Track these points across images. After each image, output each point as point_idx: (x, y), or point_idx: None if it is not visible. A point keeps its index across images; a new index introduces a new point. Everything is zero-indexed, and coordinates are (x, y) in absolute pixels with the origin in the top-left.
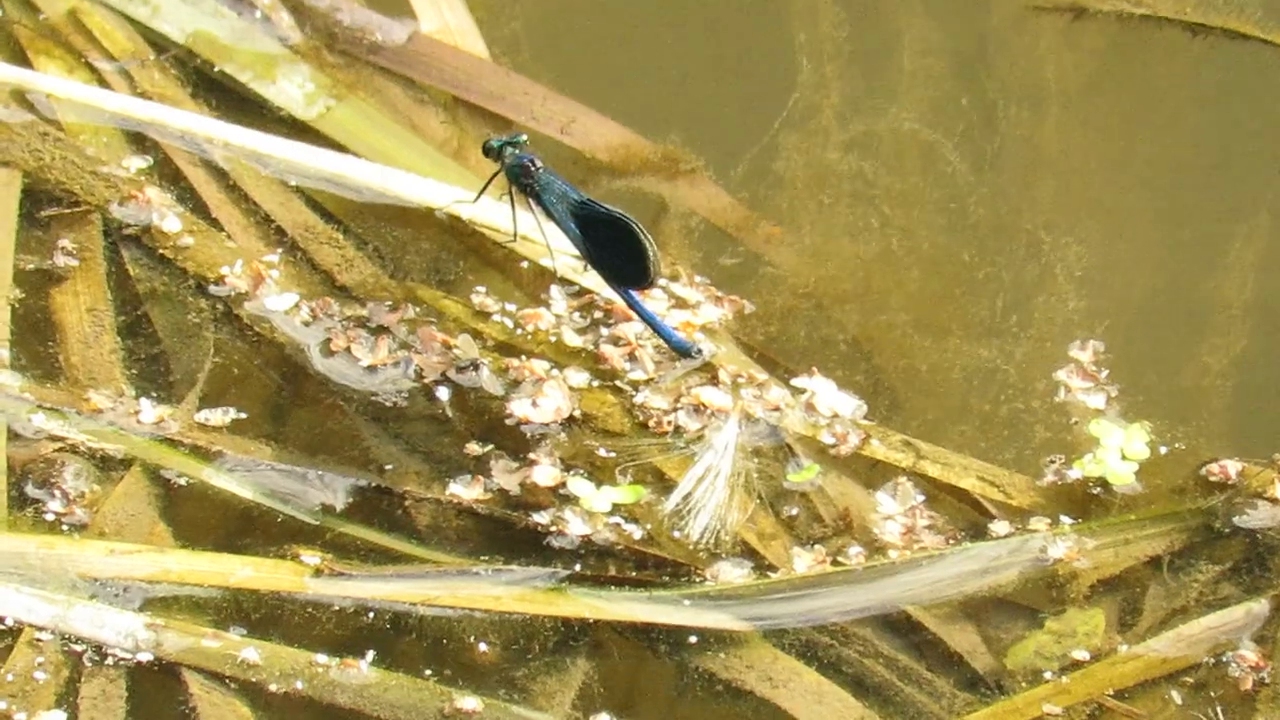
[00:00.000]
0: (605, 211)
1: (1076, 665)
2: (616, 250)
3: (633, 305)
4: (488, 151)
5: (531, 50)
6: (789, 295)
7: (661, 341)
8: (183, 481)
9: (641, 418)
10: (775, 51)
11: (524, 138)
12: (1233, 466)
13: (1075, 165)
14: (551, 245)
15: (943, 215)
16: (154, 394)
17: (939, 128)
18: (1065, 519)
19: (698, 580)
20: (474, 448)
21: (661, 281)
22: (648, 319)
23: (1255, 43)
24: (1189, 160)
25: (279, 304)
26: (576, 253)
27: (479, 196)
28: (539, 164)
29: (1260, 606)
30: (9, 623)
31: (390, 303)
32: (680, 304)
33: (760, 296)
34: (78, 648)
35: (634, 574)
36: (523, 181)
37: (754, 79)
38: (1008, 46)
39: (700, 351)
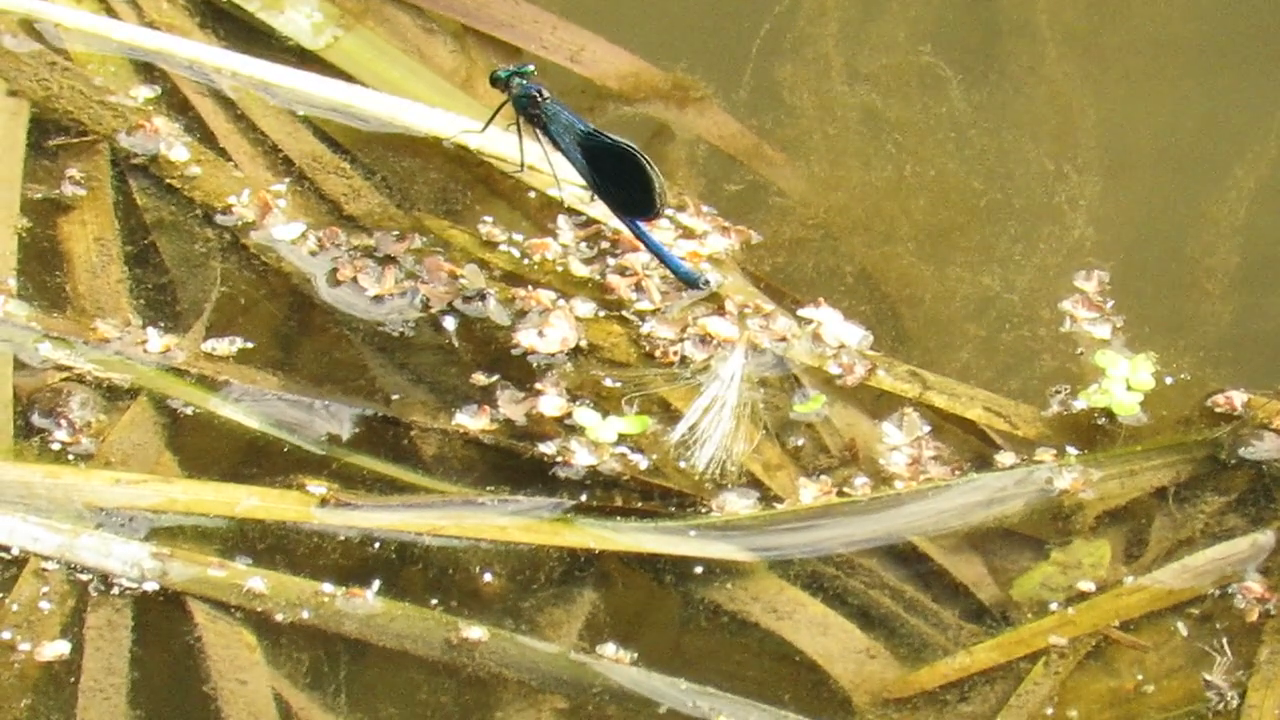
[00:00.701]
0: (611, 142)
1: (1082, 596)
2: (623, 180)
3: (639, 235)
4: (495, 81)
5: None
6: (797, 225)
7: (668, 272)
8: (189, 411)
9: (648, 348)
10: None
11: (531, 68)
12: (1238, 397)
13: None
14: (558, 175)
15: (947, 143)
16: (161, 323)
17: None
18: (1071, 450)
19: (703, 511)
20: (480, 378)
21: (668, 211)
22: (654, 248)
23: None
24: (1193, 90)
25: (286, 233)
26: (583, 183)
27: (486, 126)
28: (546, 94)
29: (1266, 538)
30: (15, 552)
31: (397, 232)
32: (688, 234)
33: (768, 226)
34: (83, 577)
35: (640, 504)
36: (530, 112)
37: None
38: None
39: (707, 282)
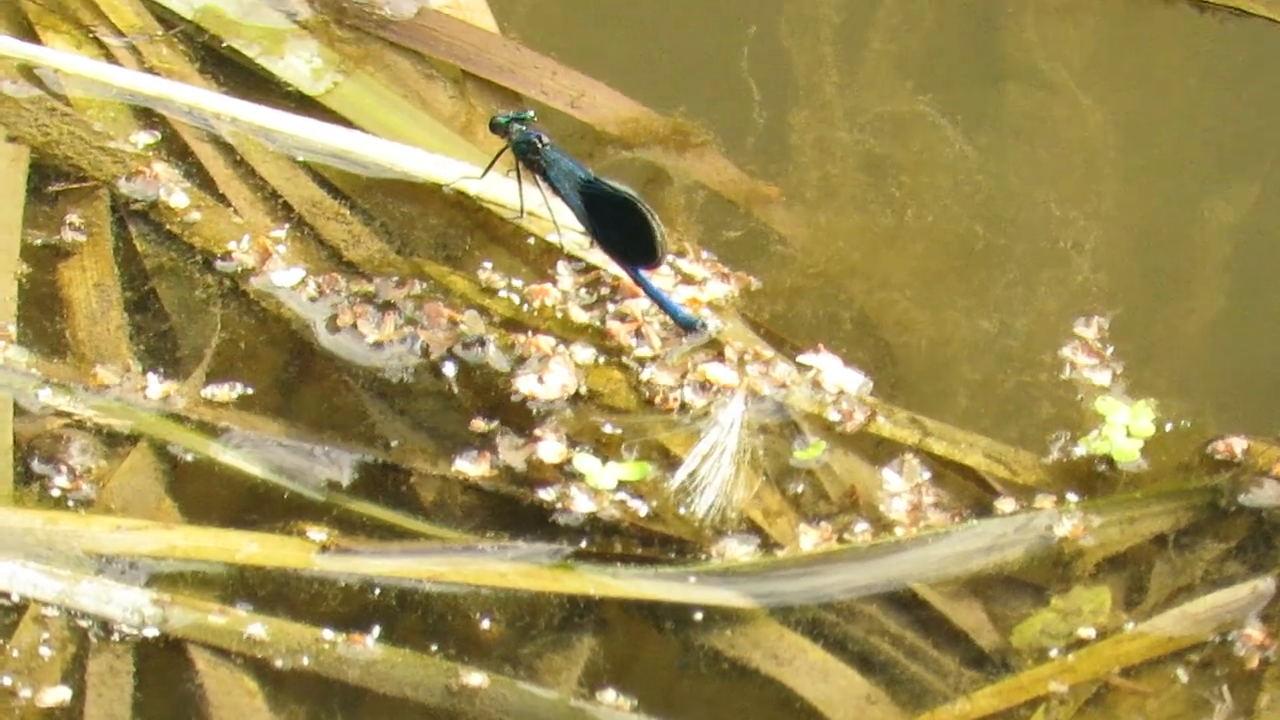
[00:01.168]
0: (611, 190)
1: (1082, 643)
2: (623, 229)
3: (638, 281)
4: (495, 127)
5: (541, 24)
6: (797, 273)
7: (667, 317)
8: (189, 457)
9: (647, 394)
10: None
11: (531, 113)
12: (1239, 444)
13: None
14: (558, 221)
15: (948, 190)
16: (161, 369)
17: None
18: (1071, 496)
19: (703, 557)
20: (479, 424)
21: (668, 257)
22: (653, 294)
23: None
24: (1191, 131)
25: (286, 279)
26: (583, 229)
27: (486, 172)
28: (546, 140)
29: (1266, 584)
30: (15, 598)
31: (397, 278)
32: (687, 280)
33: (768, 274)
34: (84, 623)
35: (640, 550)
36: (529, 158)
37: (765, 49)
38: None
39: (705, 325)
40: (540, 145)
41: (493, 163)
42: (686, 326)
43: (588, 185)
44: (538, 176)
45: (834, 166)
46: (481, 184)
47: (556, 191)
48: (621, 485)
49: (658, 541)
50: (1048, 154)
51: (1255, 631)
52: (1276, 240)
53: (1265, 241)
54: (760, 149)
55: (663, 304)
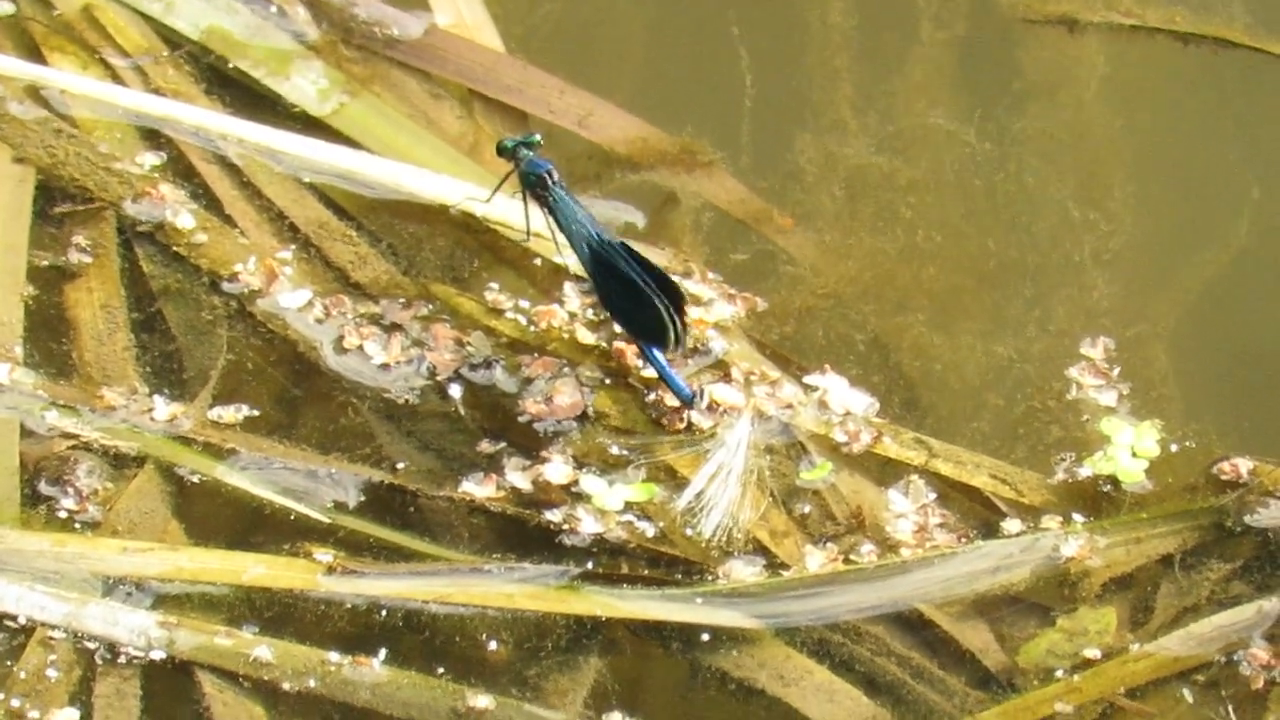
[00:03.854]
0: (627, 269)
1: (1088, 663)
2: (633, 301)
3: (641, 348)
4: (501, 151)
5: (548, 42)
6: (807, 293)
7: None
8: (195, 479)
9: (654, 415)
10: (792, 42)
11: (538, 137)
12: (1244, 464)
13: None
14: (561, 244)
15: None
16: (167, 391)
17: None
18: (1077, 517)
19: (710, 578)
20: (486, 445)
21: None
22: (654, 362)
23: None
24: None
25: (292, 301)
26: (587, 281)
27: (492, 196)
28: (555, 177)
29: (1271, 604)
30: (21, 621)
31: (403, 300)
32: (694, 300)
33: (777, 295)
34: (90, 646)
35: (646, 572)
36: (537, 191)
37: (771, 69)
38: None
39: (701, 395)
40: (550, 181)
41: (499, 186)
42: (684, 400)
43: (603, 247)
44: (545, 210)
45: (842, 186)
46: (488, 205)
47: (564, 230)
48: (628, 507)
49: (664, 562)
50: (1055, 173)
51: (1261, 651)
52: (1275, 263)
53: (1266, 264)
54: (769, 166)
55: (662, 373)
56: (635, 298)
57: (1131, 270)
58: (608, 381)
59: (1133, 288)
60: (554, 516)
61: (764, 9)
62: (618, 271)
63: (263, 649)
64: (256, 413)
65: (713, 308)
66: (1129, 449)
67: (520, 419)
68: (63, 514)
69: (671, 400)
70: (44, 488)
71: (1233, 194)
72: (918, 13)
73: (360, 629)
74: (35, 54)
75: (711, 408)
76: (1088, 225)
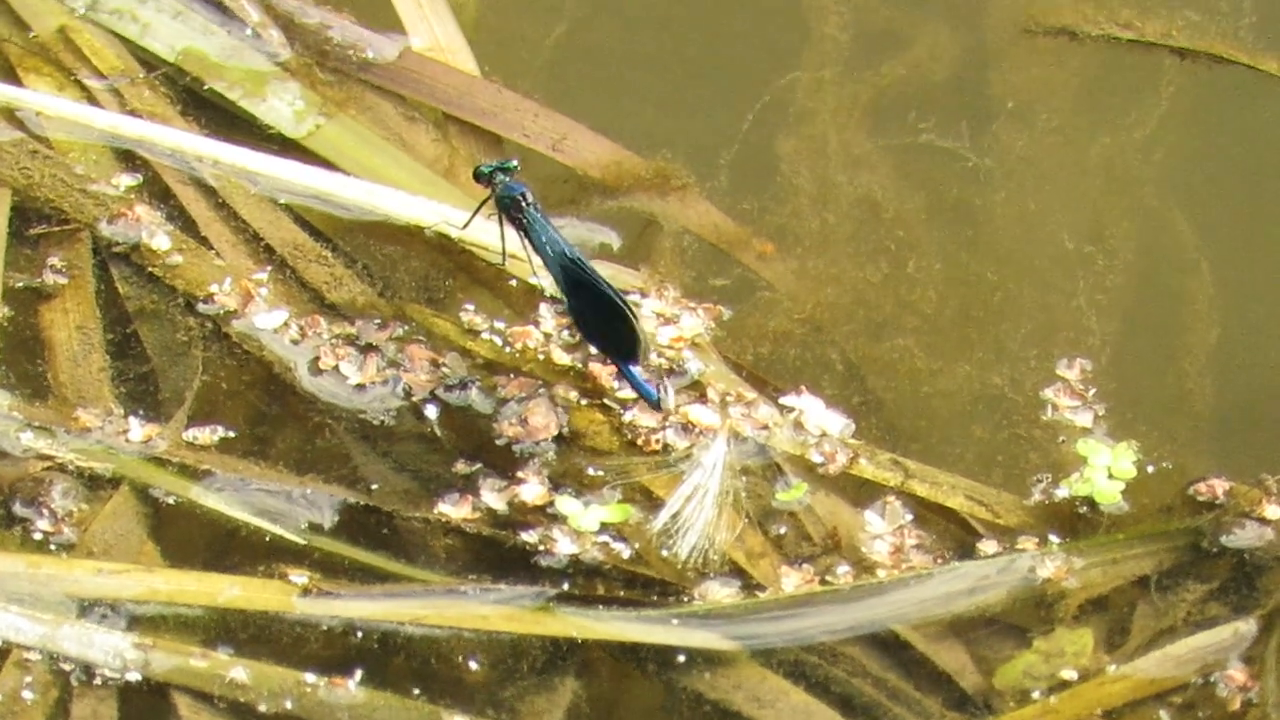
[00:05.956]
0: (595, 283)
1: (1065, 685)
2: (603, 318)
3: (613, 362)
4: (478, 177)
5: (522, 65)
6: (783, 317)
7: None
8: (171, 500)
9: (630, 436)
10: (773, 61)
11: (515, 163)
12: (1220, 485)
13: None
14: (536, 265)
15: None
16: (142, 412)
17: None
18: (1053, 538)
19: (686, 599)
20: (462, 466)
21: (634, 298)
22: (624, 372)
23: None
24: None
25: (268, 322)
26: (560, 300)
27: (468, 223)
28: (530, 199)
29: (1248, 626)
30: None
31: (379, 320)
32: (662, 318)
33: (753, 318)
34: (66, 667)
35: (622, 593)
36: (512, 214)
37: (748, 91)
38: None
39: (668, 395)
40: (524, 203)
41: (475, 212)
42: (652, 404)
43: (573, 265)
44: (520, 232)
45: (823, 211)
46: (464, 229)
47: (539, 252)
48: (604, 527)
49: (640, 584)
50: (1030, 195)
51: (1238, 673)
52: (1259, 285)
53: (1248, 286)
54: (746, 189)
55: (630, 380)
56: (603, 314)
57: (1108, 293)
58: (583, 402)
59: (1110, 310)
60: (530, 537)
61: (744, 28)
62: (592, 291)
63: (239, 670)
64: (232, 434)
65: (680, 322)
66: (1106, 470)
67: (496, 440)
68: (38, 535)
69: (646, 420)
70: (19, 509)
71: (1214, 215)
72: (910, 23)
73: (336, 650)
74: (11, 75)
75: (687, 428)
76: (1068, 252)
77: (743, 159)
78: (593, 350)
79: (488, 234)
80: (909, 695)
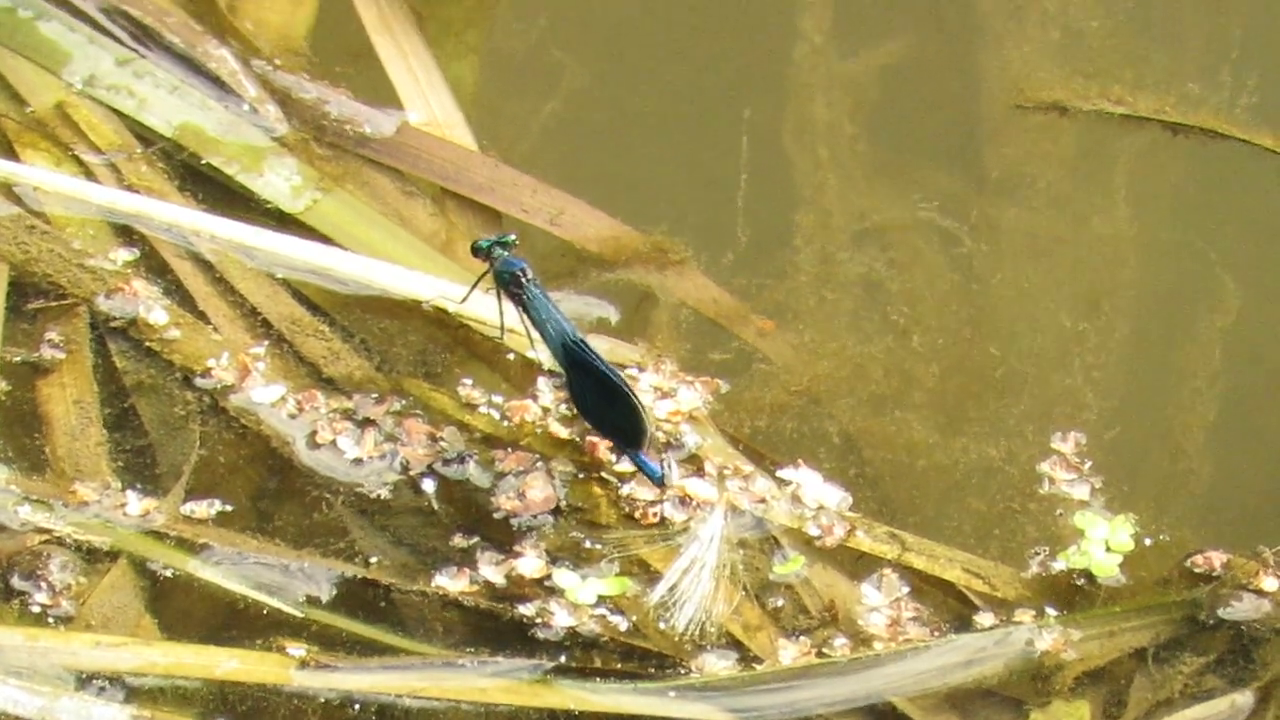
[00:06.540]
0: (598, 366)
1: None
2: (604, 398)
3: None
4: (476, 251)
5: (520, 140)
6: (779, 389)
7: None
8: (169, 574)
9: (627, 509)
10: (768, 142)
11: (513, 237)
12: (1217, 558)
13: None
14: (535, 338)
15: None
16: (140, 486)
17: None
18: (1050, 611)
19: (683, 671)
20: (460, 540)
21: (633, 371)
22: (631, 456)
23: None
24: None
25: (265, 396)
26: (560, 380)
27: (466, 297)
28: (529, 274)
29: (1245, 698)
30: None
31: (376, 395)
32: (658, 390)
33: (751, 391)
34: None
35: (619, 665)
36: (511, 290)
37: (744, 168)
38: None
39: (671, 470)
40: (524, 280)
41: (474, 287)
42: (654, 480)
43: (575, 346)
44: (519, 308)
45: (821, 288)
46: (462, 303)
47: (538, 329)
48: (601, 600)
49: (637, 656)
50: (1024, 271)
51: None
52: (1258, 357)
53: (1246, 358)
54: (745, 265)
55: (634, 461)
56: (608, 397)
57: (1103, 365)
58: (581, 476)
59: (1104, 383)
60: (527, 610)
61: (736, 102)
62: (591, 370)
63: None
64: (230, 507)
65: (678, 396)
66: (1103, 543)
67: (494, 514)
68: (36, 608)
69: (644, 493)
70: (17, 582)
71: (1211, 288)
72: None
73: None
74: (8, 151)
75: (685, 501)
76: (1064, 328)
77: (743, 233)
78: (591, 429)
79: (485, 308)
80: None
